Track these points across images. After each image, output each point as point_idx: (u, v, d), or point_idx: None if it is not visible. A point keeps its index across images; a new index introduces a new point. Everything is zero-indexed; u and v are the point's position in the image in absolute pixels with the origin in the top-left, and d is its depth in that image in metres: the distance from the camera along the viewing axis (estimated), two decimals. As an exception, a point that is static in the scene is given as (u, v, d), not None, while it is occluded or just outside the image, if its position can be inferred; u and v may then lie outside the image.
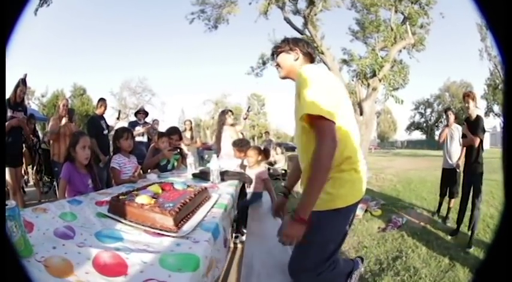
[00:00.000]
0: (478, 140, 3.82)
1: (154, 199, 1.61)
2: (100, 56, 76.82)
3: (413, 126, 50.03)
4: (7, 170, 3.94)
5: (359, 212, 5.19)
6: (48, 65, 63.08)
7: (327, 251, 1.53)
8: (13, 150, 4.06)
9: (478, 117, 3.91)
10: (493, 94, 28.24)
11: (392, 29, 10.15)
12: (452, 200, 4.72)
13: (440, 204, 5.06)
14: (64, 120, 4.39)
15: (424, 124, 48.04)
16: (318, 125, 1.36)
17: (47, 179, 5.73)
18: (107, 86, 76.05)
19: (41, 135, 6.65)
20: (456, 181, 4.64)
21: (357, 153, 1.53)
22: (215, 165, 2.78)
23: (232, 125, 4.87)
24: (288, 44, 1.72)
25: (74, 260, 1.05)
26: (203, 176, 2.92)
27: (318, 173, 1.32)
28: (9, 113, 3.92)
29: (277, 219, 2.25)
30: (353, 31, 11.99)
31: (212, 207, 1.84)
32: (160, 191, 1.82)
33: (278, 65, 1.77)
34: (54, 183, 5.05)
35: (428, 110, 48.59)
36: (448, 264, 3.13)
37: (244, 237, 3.26)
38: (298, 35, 11.46)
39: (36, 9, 9.77)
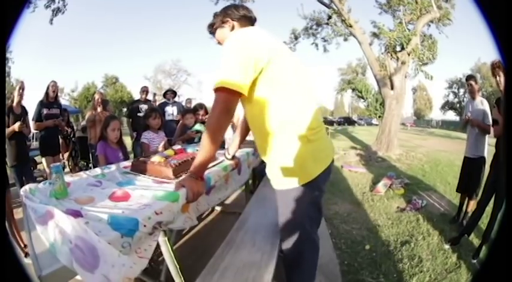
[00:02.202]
0: None
1: (164, 158, 2.12)
2: (129, 44, 79.27)
3: (447, 105, 47.99)
4: (45, 159, 4.62)
5: (382, 188, 5.19)
6: (75, 60, 65.94)
7: (300, 225, 1.45)
8: (51, 142, 4.63)
9: None
10: None
11: (416, 2, 9.77)
12: (471, 202, 3.73)
13: (460, 205, 3.99)
14: (99, 109, 4.90)
15: (458, 104, 45.88)
16: (215, 95, 1.30)
17: (83, 163, 6.17)
18: (139, 71, 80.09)
19: (74, 126, 7.47)
20: (477, 176, 3.68)
21: (311, 121, 1.37)
22: (229, 134, 3.10)
23: None
24: (218, 17, 1.61)
25: (96, 196, 1.55)
26: (222, 144, 3.08)
27: (205, 140, 1.35)
28: (45, 111, 4.47)
29: None
30: (380, 4, 11.44)
31: (213, 166, 2.20)
32: (173, 153, 2.35)
33: (219, 43, 1.65)
34: (91, 165, 5.45)
35: (462, 90, 46.15)
36: (454, 263, 2.82)
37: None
38: (326, 9, 11.19)
39: (51, 19, 10.35)
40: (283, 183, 1.38)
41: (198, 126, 3.78)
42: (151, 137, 3.47)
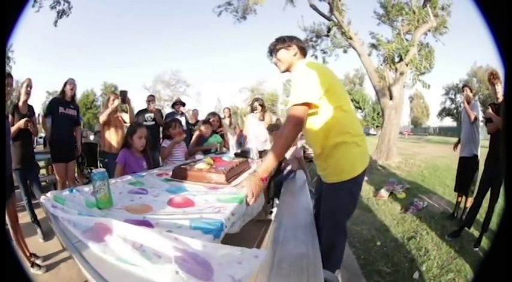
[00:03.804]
0: None
1: (209, 165, 2.17)
2: (128, 52, 79.60)
3: (444, 112, 48.21)
4: (56, 165, 4.11)
5: (384, 193, 5.52)
6: (73, 65, 65.80)
7: (340, 215, 1.83)
8: (65, 147, 4.10)
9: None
10: None
11: (414, 12, 10.03)
12: (469, 199, 4.06)
13: (457, 203, 4.40)
14: (117, 102, 4.32)
15: (455, 110, 46.17)
16: (288, 110, 1.68)
17: (89, 171, 5.94)
18: (139, 80, 79.90)
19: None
20: (474, 174, 4.04)
21: (359, 129, 1.80)
22: (253, 144, 3.37)
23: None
24: (285, 41, 1.94)
25: (151, 204, 1.49)
26: (244, 154, 3.33)
27: (275, 147, 1.67)
28: (60, 110, 3.99)
29: (305, 193, 2.58)
30: (378, 15, 11.70)
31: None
32: (212, 161, 2.36)
33: (278, 60, 1.97)
34: None
35: (459, 96, 46.25)
36: (457, 251, 3.22)
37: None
38: (326, 21, 11.50)
39: (56, 21, 10.18)
40: (338, 177, 1.75)
41: (213, 138, 4.07)
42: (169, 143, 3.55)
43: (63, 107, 4.04)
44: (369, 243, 3.45)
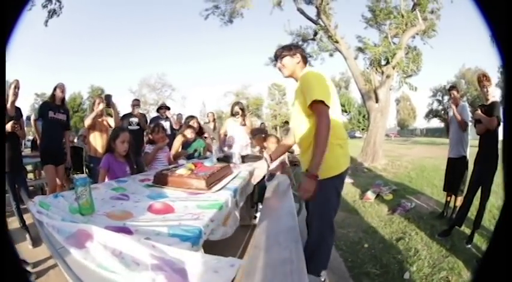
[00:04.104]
0: (495, 121, 3.26)
1: (190, 171, 2.16)
2: (115, 55, 78.90)
3: (431, 113, 48.64)
4: (46, 168, 4.06)
5: (371, 195, 5.52)
6: (61, 68, 65.03)
7: (327, 210, 2.02)
8: (54, 150, 4.10)
9: (494, 102, 3.38)
10: None
11: (402, 16, 10.14)
12: (459, 199, 4.09)
13: (446, 203, 4.43)
14: (101, 106, 4.36)
15: (442, 111, 46.64)
16: (318, 108, 1.88)
17: (75, 174, 5.93)
18: (125, 84, 78.00)
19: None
20: (461, 174, 4.06)
21: (343, 134, 2.07)
22: (236, 149, 3.34)
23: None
24: (291, 49, 2.15)
25: (132, 210, 1.48)
26: (226, 159, 3.32)
27: (321, 142, 1.83)
28: (50, 114, 3.99)
29: (289, 197, 2.57)
30: (366, 18, 11.87)
31: (234, 178, 2.34)
32: (193, 167, 2.33)
33: (283, 66, 2.17)
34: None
35: (446, 97, 46.74)
36: (449, 249, 3.24)
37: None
38: (313, 25, 11.59)
39: (46, 21, 10.07)
40: (325, 173, 1.92)
41: (197, 143, 4.08)
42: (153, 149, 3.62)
43: (53, 111, 4.04)
44: (356, 246, 3.44)
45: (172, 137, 5.15)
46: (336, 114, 1.99)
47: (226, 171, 2.40)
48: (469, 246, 3.30)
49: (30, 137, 4.59)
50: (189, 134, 4.11)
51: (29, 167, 6.09)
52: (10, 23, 0.64)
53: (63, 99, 4.21)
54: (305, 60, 2.19)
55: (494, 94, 3.46)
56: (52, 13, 9.94)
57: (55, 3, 9.92)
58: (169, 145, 3.95)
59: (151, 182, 2.15)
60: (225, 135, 4.87)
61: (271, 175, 3.48)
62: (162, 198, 1.73)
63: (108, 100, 4.46)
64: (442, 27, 10.96)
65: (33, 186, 5.44)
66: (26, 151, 6.80)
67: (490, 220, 3.90)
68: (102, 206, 1.54)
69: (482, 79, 3.46)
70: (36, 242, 3.37)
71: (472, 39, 65.06)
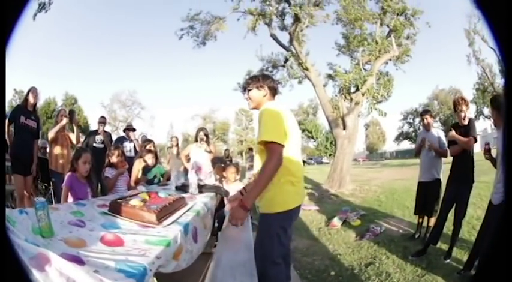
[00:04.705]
0: (472, 141, 3.37)
1: (143, 202, 2.15)
2: (91, 65, 77.18)
3: (402, 136, 49.92)
4: (15, 177, 4.09)
5: (337, 222, 5.44)
6: (39, 70, 62.90)
7: (270, 246, 1.94)
8: (23, 158, 4.09)
9: (470, 120, 3.50)
10: (482, 97, 28.50)
11: (377, 43, 10.38)
12: (432, 219, 4.10)
13: (419, 224, 4.41)
14: (64, 121, 4.45)
15: (413, 133, 47.71)
16: (269, 147, 1.85)
17: (42, 187, 5.79)
18: (97, 96, 77.12)
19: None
20: (436, 196, 4.03)
21: (297, 172, 2.03)
22: (193, 178, 3.21)
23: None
24: (258, 81, 2.13)
25: (86, 239, 1.51)
26: (184, 188, 3.25)
27: (262, 180, 1.84)
28: (21, 119, 3.99)
29: (247, 228, 2.51)
30: (339, 45, 12.19)
31: (187, 211, 2.33)
32: (147, 197, 2.35)
33: (249, 98, 2.16)
34: (51, 191, 5.18)
35: (417, 120, 47.75)
36: (425, 268, 3.19)
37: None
38: (284, 52, 11.73)
39: (35, 14, 9.92)
40: (270, 208, 1.94)
41: (157, 169, 4.06)
42: (114, 173, 3.57)
43: (25, 116, 4.05)
44: (322, 274, 3.37)
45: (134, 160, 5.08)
46: (293, 152, 2.00)
47: (180, 203, 2.40)
48: (448, 260, 3.32)
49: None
50: (150, 159, 4.11)
51: None
52: (10, 23, 0.64)
53: (35, 105, 4.24)
54: (273, 92, 2.17)
55: (469, 114, 3.56)
56: (42, 7, 9.90)
57: None
58: (130, 168, 3.94)
59: (107, 209, 2.16)
60: (188, 159, 4.81)
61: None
62: (114, 229, 1.76)
63: (71, 116, 4.54)
64: (416, 49, 11.27)
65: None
66: None
67: (469, 231, 3.94)
68: (61, 230, 1.57)
69: (461, 102, 3.51)
70: None
71: (444, 60, 68.29)
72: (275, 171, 1.82)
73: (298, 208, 2.05)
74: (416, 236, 4.32)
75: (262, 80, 2.15)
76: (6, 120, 3.98)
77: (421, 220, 4.38)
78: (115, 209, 2.09)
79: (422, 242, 3.93)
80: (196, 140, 4.83)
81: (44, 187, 5.73)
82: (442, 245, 3.62)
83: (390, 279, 3.06)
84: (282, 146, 1.84)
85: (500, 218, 0.60)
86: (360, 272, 3.33)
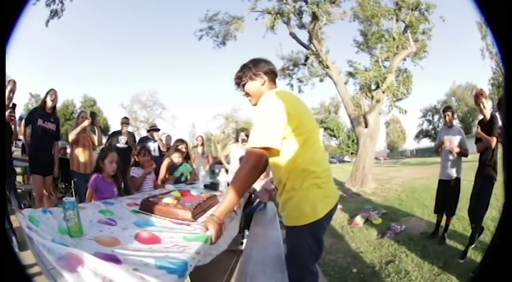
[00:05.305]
0: (494, 140, 3.37)
1: (176, 200, 2.15)
2: (110, 67, 79.05)
3: (421, 134, 48.81)
4: (34, 177, 4.05)
5: (359, 221, 5.50)
6: (56, 71, 63.81)
7: (303, 256, 1.68)
8: (42, 158, 4.03)
9: (492, 116, 3.50)
10: (497, 93, 27.13)
11: (394, 39, 10.27)
12: (451, 219, 4.15)
13: (438, 223, 4.38)
14: (86, 123, 4.36)
15: (433, 131, 46.63)
16: (246, 151, 1.57)
17: (63, 186, 5.94)
18: (117, 97, 78.73)
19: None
20: (456, 195, 4.04)
21: (322, 173, 1.63)
22: (223, 177, 3.27)
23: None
24: (250, 69, 1.76)
25: (120, 237, 1.48)
26: (213, 186, 3.34)
27: (233, 190, 1.54)
28: (39, 122, 3.91)
29: (275, 225, 2.56)
30: (358, 42, 12.04)
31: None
32: (180, 195, 2.37)
33: (247, 94, 1.81)
34: (72, 190, 5.26)
35: (436, 117, 46.58)
36: (441, 268, 3.25)
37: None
38: (304, 50, 11.68)
39: (47, 21, 10.15)
40: (297, 220, 1.62)
41: (184, 168, 4.06)
42: (140, 173, 3.55)
43: (43, 119, 3.97)
44: (344, 271, 3.44)
45: (160, 159, 5.17)
46: (312, 149, 1.64)
47: (212, 201, 2.39)
48: (462, 261, 3.34)
49: (22, 137, 4.55)
50: (176, 158, 4.11)
51: (18, 170, 5.96)
52: (10, 23, 0.64)
53: (54, 107, 4.15)
54: (272, 76, 1.79)
55: (490, 107, 3.55)
56: (54, 14, 10.04)
57: (58, 4, 10.02)
58: (156, 168, 3.95)
59: (138, 207, 2.14)
60: (214, 158, 4.83)
61: (259, 202, 3.50)
62: (149, 227, 1.73)
63: (93, 118, 4.49)
64: (432, 45, 11.11)
65: (21, 189, 5.37)
66: (17, 152, 6.60)
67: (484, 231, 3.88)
68: (91, 229, 1.54)
69: (480, 96, 3.54)
70: (22, 246, 3.20)
71: (460, 55, 66.47)
72: (247, 180, 1.56)
73: (332, 211, 1.68)
74: (435, 235, 4.30)
75: (254, 66, 1.76)
76: (23, 122, 4.03)
77: (439, 218, 4.36)
78: (147, 207, 2.08)
79: (440, 242, 3.98)
80: (236, 140, 4.89)
81: (63, 186, 5.83)
82: (458, 245, 3.68)
83: (409, 277, 3.14)
84: (263, 150, 1.51)
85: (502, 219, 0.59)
86: (380, 270, 3.42)
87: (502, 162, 0.56)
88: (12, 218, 3.29)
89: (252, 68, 1.75)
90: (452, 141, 4.09)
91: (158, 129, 6.33)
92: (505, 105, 0.61)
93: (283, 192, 1.66)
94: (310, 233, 1.62)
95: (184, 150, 4.35)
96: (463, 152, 4.03)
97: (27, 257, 2.84)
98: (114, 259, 1.14)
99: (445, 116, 4.37)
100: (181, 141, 4.60)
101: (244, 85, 1.79)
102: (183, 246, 1.41)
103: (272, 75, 1.78)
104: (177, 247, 1.40)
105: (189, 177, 4.21)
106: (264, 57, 1.85)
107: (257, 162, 1.52)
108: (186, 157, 4.44)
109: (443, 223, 4.27)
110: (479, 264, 2.93)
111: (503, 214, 0.59)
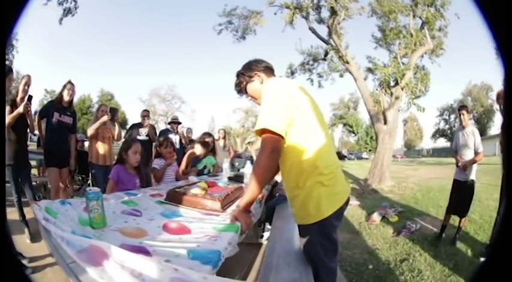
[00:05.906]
0: None
1: (204, 191, 2.16)
2: (127, 61, 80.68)
3: (438, 133, 48.27)
4: (49, 170, 3.96)
5: (376, 217, 5.54)
6: (72, 66, 65.90)
7: (315, 253, 1.64)
8: (58, 151, 3.98)
9: None
10: None
11: (411, 35, 10.17)
12: (463, 219, 4.11)
13: (445, 225, 4.31)
14: (105, 118, 4.31)
15: (449, 131, 46.12)
16: (262, 137, 1.47)
17: (80, 178, 5.97)
18: (134, 91, 78.89)
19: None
20: (470, 196, 4.00)
21: (326, 168, 1.54)
22: (249, 169, 3.34)
23: None
24: (244, 74, 1.76)
25: (146, 228, 1.46)
26: (237, 178, 3.39)
27: (254, 179, 1.51)
28: (56, 116, 3.85)
29: None
30: (376, 38, 11.89)
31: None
32: (207, 186, 2.37)
33: (253, 98, 1.80)
34: (89, 182, 5.23)
35: (453, 116, 46.07)
36: (451, 269, 3.28)
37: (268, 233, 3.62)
38: (324, 45, 11.63)
39: (61, 19, 10.33)
40: (304, 219, 1.59)
41: (207, 160, 4.09)
42: (162, 164, 3.53)
43: (59, 112, 3.91)
44: (360, 267, 3.48)
45: (180, 151, 5.22)
46: (316, 142, 1.55)
47: (239, 192, 2.40)
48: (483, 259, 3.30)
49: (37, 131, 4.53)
50: (199, 150, 4.13)
51: (33, 162, 5.89)
52: (10, 23, 0.63)
53: (71, 100, 4.08)
54: (269, 72, 1.76)
55: None
56: (67, 12, 10.18)
57: (70, 2, 10.16)
58: (177, 160, 3.94)
59: (163, 198, 2.13)
60: (235, 152, 4.86)
61: (280, 196, 3.54)
62: (177, 217, 1.72)
63: (113, 114, 4.49)
64: (449, 44, 10.98)
65: (36, 182, 5.41)
66: (32, 145, 6.57)
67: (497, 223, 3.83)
68: (114, 220, 1.52)
69: (500, 96, 3.39)
70: (34, 238, 3.27)
71: (477, 54, 64.93)
72: (268, 168, 1.49)
73: (342, 209, 1.59)
74: (442, 235, 4.27)
75: (247, 69, 1.75)
76: (37, 115, 3.96)
77: (446, 222, 4.30)
78: (174, 198, 2.05)
79: (451, 242, 4.01)
80: None
81: (80, 178, 5.86)
82: (469, 247, 3.73)
83: (421, 276, 3.18)
84: (276, 134, 1.43)
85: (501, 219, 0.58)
86: (395, 267, 3.46)
87: (502, 162, 0.58)
88: (26, 210, 3.38)
89: (245, 71, 1.76)
90: (464, 158, 4.08)
91: (180, 123, 6.38)
92: (506, 104, 0.60)
93: (288, 189, 1.66)
94: (317, 231, 1.58)
95: (211, 143, 4.39)
96: (476, 161, 4.00)
97: (39, 249, 2.95)
98: (143, 251, 1.10)
99: (460, 115, 4.33)
100: (208, 134, 4.63)
101: (245, 90, 1.79)
102: (214, 237, 1.39)
103: (268, 70, 1.77)
104: (208, 237, 1.38)
105: (211, 169, 4.25)
106: (254, 57, 1.84)
107: (273, 148, 1.45)
108: (212, 150, 4.48)
109: (449, 224, 4.29)
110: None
111: (504, 214, 0.59)
